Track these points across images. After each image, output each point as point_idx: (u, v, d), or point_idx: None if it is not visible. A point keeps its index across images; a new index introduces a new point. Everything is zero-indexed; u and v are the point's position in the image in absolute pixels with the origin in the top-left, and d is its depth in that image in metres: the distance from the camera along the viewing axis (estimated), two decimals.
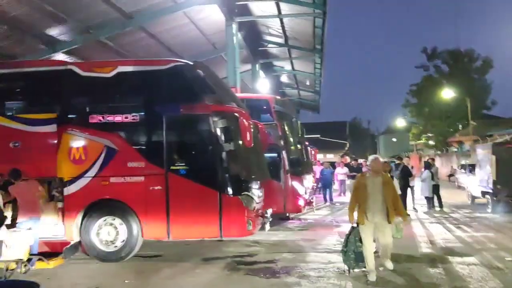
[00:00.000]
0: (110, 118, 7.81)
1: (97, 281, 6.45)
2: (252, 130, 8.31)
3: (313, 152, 20.90)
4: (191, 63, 7.93)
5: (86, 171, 7.70)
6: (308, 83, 28.52)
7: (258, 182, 8.62)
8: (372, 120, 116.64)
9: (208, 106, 7.52)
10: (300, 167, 11.76)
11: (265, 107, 11.52)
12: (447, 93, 36.97)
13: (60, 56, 15.96)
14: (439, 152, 43.00)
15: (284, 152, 11.26)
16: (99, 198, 7.67)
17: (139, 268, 7.12)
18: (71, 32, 15.18)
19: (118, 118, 7.81)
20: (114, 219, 7.69)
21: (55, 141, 7.72)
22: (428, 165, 14.99)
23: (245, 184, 7.79)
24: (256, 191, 8.23)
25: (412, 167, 14.78)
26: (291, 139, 11.93)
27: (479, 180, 14.53)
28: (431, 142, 46.45)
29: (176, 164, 7.55)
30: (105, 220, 7.69)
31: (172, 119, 7.60)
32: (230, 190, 7.48)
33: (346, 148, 53.32)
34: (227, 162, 7.51)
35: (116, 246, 7.67)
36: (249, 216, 7.69)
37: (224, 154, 7.45)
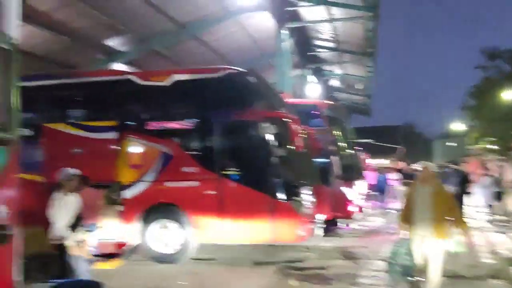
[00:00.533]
0: (165, 125, 8.12)
1: (154, 282, 6.70)
2: (302, 135, 8.33)
3: (364, 157, 20.44)
4: (244, 70, 8.09)
5: (144, 176, 8.03)
6: (359, 87, 28.04)
7: (309, 187, 8.63)
8: (427, 124, 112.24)
9: (259, 113, 7.64)
10: (350, 173, 11.58)
11: (315, 112, 11.49)
12: (509, 95, 35.07)
13: (117, 66, 16.74)
14: (501, 157, 40.81)
15: (334, 158, 11.15)
16: (156, 202, 7.96)
17: (194, 270, 7.32)
18: (128, 42, 15.88)
19: (173, 125, 8.11)
20: (170, 223, 7.95)
21: (115, 147, 8.11)
22: (489, 171, 14.28)
23: (295, 190, 7.82)
24: (307, 197, 8.23)
25: (470, 173, 14.17)
26: (342, 144, 11.79)
27: None
28: (492, 147, 44.15)
29: (228, 169, 7.71)
30: (161, 223, 7.98)
31: (224, 125, 7.79)
32: (281, 195, 7.53)
33: (399, 153, 51.86)
34: (278, 168, 7.57)
35: (172, 249, 7.93)
36: (300, 222, 7.70)
37: (274, 160, 7.52)
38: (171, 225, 7.94)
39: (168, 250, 7.93)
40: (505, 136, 40.51)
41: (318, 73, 25.16)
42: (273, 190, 7.53)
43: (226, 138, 7.85)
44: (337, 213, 11.06)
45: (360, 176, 13.48)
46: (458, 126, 55.86)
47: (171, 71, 8.65)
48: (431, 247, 5.36)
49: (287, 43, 15.44)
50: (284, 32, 15.05)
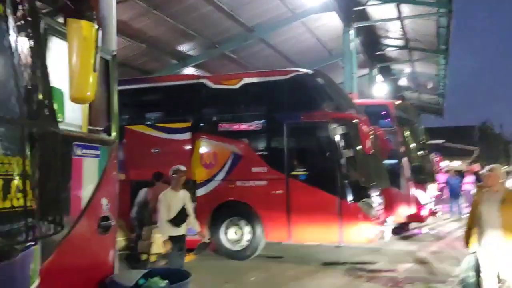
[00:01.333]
0: (236, 127, 8.44)
1: (225, 276, 7.01)
2: (371, 136, 8.28)
3: (436, 159, 19.68)
4: (311, 72, 8.22)
5: (216, 175, 8.40)
6: (431, 85, 26.91)
7: (378, 189, 8.55)
8: (505, 124, 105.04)
9: (327, 114, 7.72)
10: (422, 175, 11.26)
11: (385, 113, 11.29)
12: None
13: (189, 70, 17.49)
14: None
15: (405, 159, 10.91)
16: (226, 200, 8.30)
17: (264, 267, 7.55)
18: (199, 47, 16.55)
19: (244, 126, 8.40)
20: (240, 220, 8.26)
21: (189, 147, 8.55)
22: None
23: (364, 191, 7.80)
24: (375, 198, 8.17)
25: None
26: (413, 145, 11.49)
27: None
28: None
29: (296, 170, 7.87)
30: (231, 220, 8.30)
31: (292, 126, 7.95)
32: (349, 196, 7.56)
33: (475, 155, 49.02)
34: (346, 169, 7.61)
35: (241, 245, 8.23)
36: (369, 224, 7.67)
37: (343, 161, 7.56)
38: (241, 223, 8.24)
39: (238, 246, 8.24)
40: None
41: (387, 72, 24.53)
42: (342, 191, 7.57)
43: (295, 139, 8.02)
44: (408, 216, 10.81)
45: (432, 179, 13.05)
46: None
47: (241, 75, 8.98)
48: (504, 264, 4.67)
49: (354, 43, 15.26)
50: (351, 32, 14.89)
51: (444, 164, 41.93)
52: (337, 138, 7.64)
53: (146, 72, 16.53)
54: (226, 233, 8.32)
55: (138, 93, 9.10)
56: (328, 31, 16.97)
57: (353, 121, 7.81)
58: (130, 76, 12.57)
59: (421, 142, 12.43)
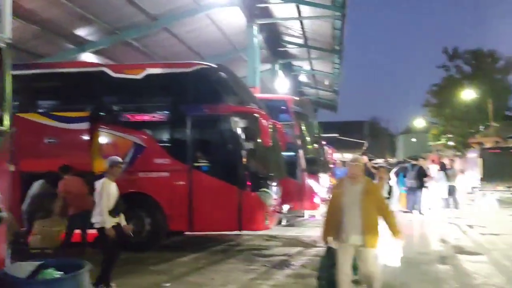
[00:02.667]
0: (138, 117, 8.37)
1: (124, 268, 6.96)
2: (270, 130, 8.73)
3: (330, 151, 21.15)
4: (215, 66, 8.40)
5: None
6: (327, 83, 28.75)
7: (276, 179, 9.08)
8: (391, 120, 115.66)
9: (229, 107, 8.00)
10: (316, 166, 12.12)
11: (283, 107, 11.93)
12: (468, 94, 36.78)
13: (88, 56, 16.66)
14: (459, 153, 42.65)
15: (301, 151, 11.66)
16: (127, 192, 8.19)
17: (164, 257, 7.63)
18: (99, 33, 15.82)
19: (146, 117, 8.37)
20: (141, 211, 8.21)
21: (87, 138, 8.28)
22: (444, 166, 15.17)
23: (263, 181, 8.25)
24: (273, 188, 8.68)
25: (428, 168, 15.02)
26: (308, 139, 12.30)
27: (470, 177, 17.83)
28: (451, 143, 46.11)
29: (199, 161, 8.05)
30: (133, 211, 8.21)
31: (195, 119, 8.10)
32: (249, 187, 7.94)
33: (364, 148, 53.28)
34: (247, 160, 7.97)
35: (142, 237, 8.20)
36: (267, 211, 8.15)
37: (243, 153, 7.92)
38: (142, 214, 8.20)
39: (139, 237, 8.18)
40: (463, 133, 42.48)
41: (288, 68, 25.64)
42: (241, 181, 7.92)
43: (198, 131, 8.18)
44: (303, 204, 11.59)
45: (325, 169, 14.07)
46: (420, 122, 57.99)
47: (145, 65, 8.88)
48: (363, 258, 4.56)
49: (257, 39, 15.77)
50: (254, 28, 15.37)
51: (337, 156, 44.93)
52: (238, 130, 7.97)
53: (39, 56, 15.42)
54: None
55: (32, 79, 8.54)
56: (232, 25, 17.28)
57: (254, 114, 8.17)
58: (21, 60, 11.68)
59: (316, 136, 13.32)
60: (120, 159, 6.02)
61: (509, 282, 6.21)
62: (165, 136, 8.50)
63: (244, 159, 7.94)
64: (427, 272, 6.82)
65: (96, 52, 16.80)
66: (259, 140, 8.19)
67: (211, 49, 19.76)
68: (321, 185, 12.52)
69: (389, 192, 5.84)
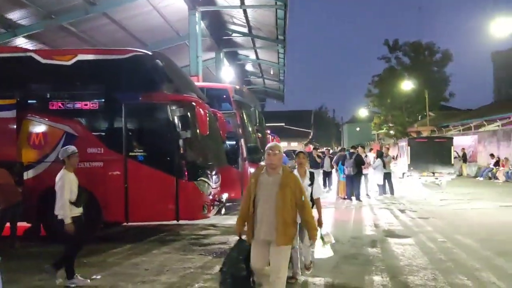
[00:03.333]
0: (69, 105, 8.04)
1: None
2: (208, 118, 8.69)
3: (273, 140, 21.40)
4: (150, 53, 8.22)
5: (46, 156, 7.90)
6: (272, 72, 28.99)
7: (215, 168, 9.07)
8: (337, 110, 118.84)
9: (165, 95, 7.86)
10: (258, 155, 12.23)
11: (224, 96, 11.91)
12: (407, 85, 38.45)
13: (20, 40, 15.78)
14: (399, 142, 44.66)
15: (242, 140, 11.72)
16: None
17: (98, 249, 7.43)
18: (32, 16, 15.01)
19: (78, 105, 8.05)
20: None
21: (14, 126, 7.86)
22: (381, 154, 15.81)
23: (201, 170, 8.21)
24: (212, 177, 8.67)
25: (366, 156, 15.61)
26: (250, 128, 12.38)
27: (402, 164, 20.65)
28: (392, 132, 48.14)
29: (135, 151, 7.88)
30: None
31: (130, 107, 7.89)
32: (186, 176, 7.87)
33: (310, 137, 54.49)
34: (183, 149, 7.89)
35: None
36: (205, 201, 8.13)
37: (180, 141, 7.82)
38: None
39: None
40: (403, 122, 44.48)
41: (234, 57, 25.62)
42: (178, 170, 7.84)
43: (132, 120, 7.99)
44: (244, 192, 11.65)
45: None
46: (363, 112, 60.00)
47: (76, 51, 8.51)
48: (274, 256, 4.08)
49: (200, 26, 15.58)
50: (197, 15, 15.17)
51: (284, 144, 45.61)
52: (175, 119, 7.85)
53: None
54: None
55: None
56: (175, 12, 16.98)
57: (191, 103, 8.08)
58: None
59: (260, 125, 13.42)
60: (75, 148, 5.82)
61: (431, 262, 6.59)
62: (99, 125, 8.23)
63: (181, 148, 7.85)
64: (357, 255, 7.10)
65: (30, 37, 15.98)
66: (196, 129, 8.12)
67: (154, 36, 19.34)
68: None
69: (311, 179, 5.72)
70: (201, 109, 8.11)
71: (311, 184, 5.58)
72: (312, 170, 6.20)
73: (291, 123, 53.72)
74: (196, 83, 13.06)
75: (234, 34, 21.85)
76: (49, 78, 8.18)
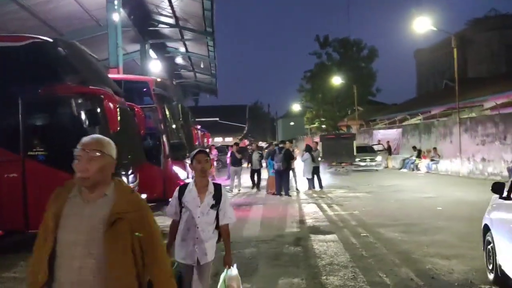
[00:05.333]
0: None
1: None
2: (122, 113, 7.95)
3: (200, 135, 20.75)
4: (51, 40, 7.32)
5: None
6: (203, 66, 28.30)
7: (130, 167, 8.38)
8: (272, 104, 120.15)
9: (69, 87, 7.02)
10: (181, 152, 11.63)
11: (145, 90, 11.15)
12: (337, 80, 39.36)
13: None
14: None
15: (164, 136, 11.06)
16: None
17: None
18: None
19: None
20: None
21: None
22: (309, 149, 15.81)
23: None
24: (127, 177, 7.98)
25: (293, 151, 15.57)
26: (173, 123, 11.73)
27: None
28: (324, 126, 49.23)
29: (33, 150, 7.00)
30: None
31: (29, 101, 6.97)
32: None
33: (245, 131, 54.44)
34: None
35: None
36: None
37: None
38: None
39: None
40: (334, 117, 45.63)
41: (162, 49, 24.64)
42: None
43: (31, 115, 7.04)
44: (166, 192, 11.02)
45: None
46: (297, 107, 60.91)
47: None
48: None
49: (120, 14, 14.59)
50: (115, 2, 14.19)
51: (219, 140, 45.12)
52: (80, 114, 7.06)
53: None
54: None
55: None
56: None
57: (99, 95, 7.28)
58: None
59: (185, 120, 12.78)
60: None
61: (352, 260, 6.42)
62: None
63: None
64: (280, 255, 6.80)
65: None
66: (104, 124, 7.34)
67: (71, 25, 17.97)
68: (187, 171, 12.09)
69: (216, 196, 3.61)
70: (110, 103, 7.33)
71: (217, 205, 3.59)
72: (217, 182, 4.02)
73: (226, 118, 53.39)
74: (115, 76, 12.21)
75: (160, 25, 20.91)
76: None
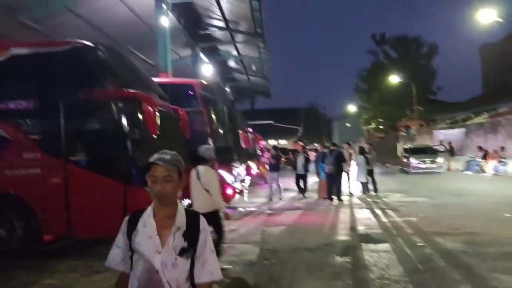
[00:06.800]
0: (2, 106, 7.14)
1: None
2: (163, 116, 7.81)
3: (251, 139, 20.47)
4: (92, 45, 7.32)
5: None
6: (254, 68, 28.14)
7: None
8: (329, 106, 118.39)
9: (108, 92, 6.97)
10: (229, 155, 11.39)
11: (190, 92, 11.04)
12: (394, 79, 37.78)
13: None
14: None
15: (210, 139, 10.86)
16: None
17: (38, 266, 6.56)
18: None
19: (12, 106, 7.15)
20: (9, 215, 7.07)
21: None
22: (363, 151, 15.06)
23: None
24: None
25: (351, 154, 14.95)
26: (219, 126, 11.52)
27: None
28: (381, 127, 47.51)
29: (75, 155, 7.00)
30: (1, 215, 7.07)
31: (70, 105, 6.99)
32: (135, 181, 7.01)
33: (299, 134, 53.75)
34: (132, 151, 7.01)
35: (13, 245, 7.07)
36: None
37: (127, 143, 6.94)
38: (11, 217, 7.06)
39: (9, 245, 7.06)
40: (392, 117, 43.83)
41: (214, 53, 24.73)
42: (126, 176, 6.97)
43: (73, 120, 7.04)
44: None
45: (241, 158, 13.39)
46: (353, 108, 59.34)
47: (9, 44, 7.62)
48: None
49: (169, 19, 14.66)
50: (164, 7, 14.27)
51: (273, 142, 44.86)
52: (122, 118, 6.96)
53: None
54: None
55: None
56: (143, 5, 16.05)
57: (136, 99, 7.14)
58: None
59: (230, 122, 12.54)
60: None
61: (405, 273, 5.82)
62: (35, 127, 7.31)
63: (128, 150, 6.97)
64: (324, 266, 6.31)
65: None
66: (145, 128, 7.22)
67: (126, 31, 18.38)
68: (235, 175, 11.86)
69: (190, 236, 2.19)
70: (148, 106, 7.18)
71: (190, 249, 2.18)
72: (193, 209, 3.47)
73: (281, 121, 52.94)
74: (161, 79, 12.25)
75: (212, 29, 20.91)
76: None
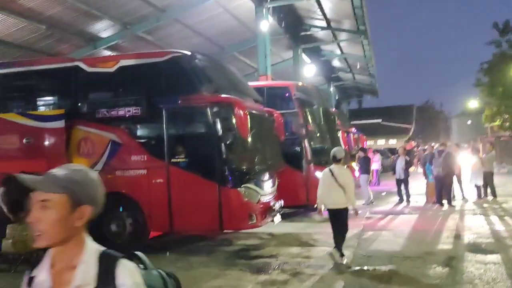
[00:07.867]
0: (114, 113, 7.89)
1: None
2: (255, 118, 7.98)
3: (354, 140, 19.73)
4: (188, 54, 7.76)
5: (94, 165, 7.86)
6: (359, 66, 27.27)
7: (268, 173, 8.36)
8: (445, 102, 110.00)
9: (203, 97, 7.35)
10: (324, 157, 11.20)
11: (286, 95, 11.12)
12: None
13: (102, 52, 16.61)
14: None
15: (306, 141, 10.82)
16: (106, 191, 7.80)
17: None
18: (110, 28, 15.70)
19: (121, 112, 7.86)
20: (120, 212, 7.81)
21: (64, 136, 7.94)
22: (477, 151, 13.71)
23: (246, 176, 7.55)
24: (262, 183, 7.98)
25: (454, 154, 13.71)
26: (315, 127, 11.39)
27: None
28: (507, 124, 42.74)
29: (176, 157, 7.50)
30: (111, 212, 7.84)
31: (171, 111, 7.52)
32: (228, 182, 7.29)
33: (411, 133, 50.77)
34: (225, 154, 7.29)
35: (123, 238, 7.80)
36: (251, 209, 7.47)
37: (221, 145, 7.25)
38: (122, 214, 7.79)
39: (120, 239, 7.80)
40: None
41: (316, 53, 24.53)
42: (221, 177, 7.29)
43: (173, 125, 7.61)
44: (309, 197, 10.75)
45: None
46: (474, 104, 54.31)
47: (118, 57, 8.44)
48: None
49: (268, 23, 14.89)
50: (264, 11, 14.55)
51: (380, 142, 43.11)
52: (216, 122, 7.30)
53: (53, 55, 15.51)
54: (106, 227, 7.83)
55: (6, 78, 8.34)
56: (245, 11, 16.56)
57: (229, 103, 7.39)
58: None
59: (327, 124, 12.26)
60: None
61: None
62: (141, 131, 8.01)
63: (222, 152, 7.27)
64: (421, 277, 5.88)
65: (110, 48, 16.73)
66: (238, 131, 7.45)
67: (231, 38, 19.18)
68: None
69: None
70: (240, 110, 7.36)
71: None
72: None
73: (390, 119, 50.56)
74: (258, 83, 12.51)
75: (313, 29, 20.74)
76: (95, 86, 8.17)
